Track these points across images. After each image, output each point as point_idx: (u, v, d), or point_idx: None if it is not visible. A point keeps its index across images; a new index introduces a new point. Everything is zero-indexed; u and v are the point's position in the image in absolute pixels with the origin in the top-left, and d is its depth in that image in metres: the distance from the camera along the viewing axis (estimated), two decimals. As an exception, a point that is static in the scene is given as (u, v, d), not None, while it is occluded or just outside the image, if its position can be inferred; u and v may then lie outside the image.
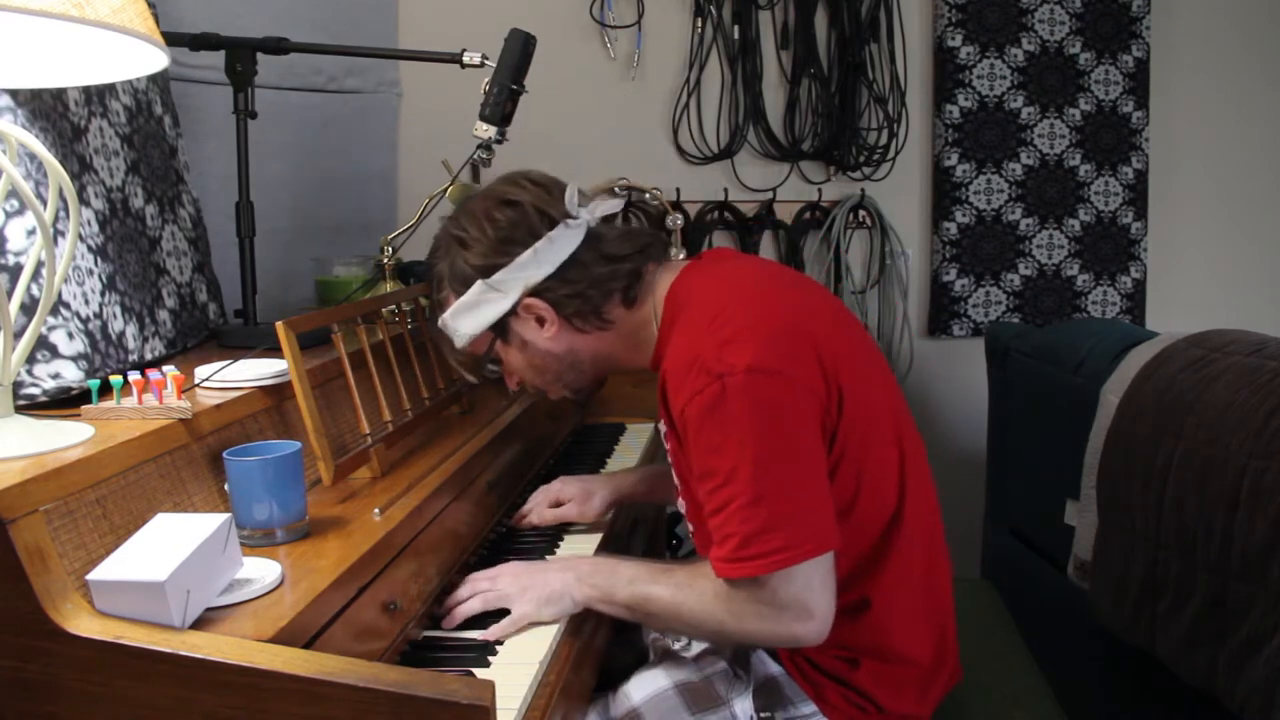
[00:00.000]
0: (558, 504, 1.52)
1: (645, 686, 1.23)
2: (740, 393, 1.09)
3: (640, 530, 1.66)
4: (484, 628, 1.19)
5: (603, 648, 1.31)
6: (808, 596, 1.11)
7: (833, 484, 1.15)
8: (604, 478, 1.58)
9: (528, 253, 1.24)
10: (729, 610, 1.14)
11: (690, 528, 1.31)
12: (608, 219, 1.31)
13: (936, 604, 1.28)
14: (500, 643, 1.17)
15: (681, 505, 1.30)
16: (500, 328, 1.29)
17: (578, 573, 1.24)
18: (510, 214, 1.26)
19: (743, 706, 1.21)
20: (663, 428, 1.27)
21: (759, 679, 1.24)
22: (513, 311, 1.27)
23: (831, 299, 1.32)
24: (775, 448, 1.10)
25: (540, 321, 1.28)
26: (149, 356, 1.40)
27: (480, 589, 1.23)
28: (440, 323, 1.33)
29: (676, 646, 1.32)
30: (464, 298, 1.28)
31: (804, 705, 1.22)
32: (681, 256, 1.38)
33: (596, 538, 1.50)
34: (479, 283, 1.26)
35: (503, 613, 1.22)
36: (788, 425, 1.10)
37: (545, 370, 1.33)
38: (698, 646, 1.30)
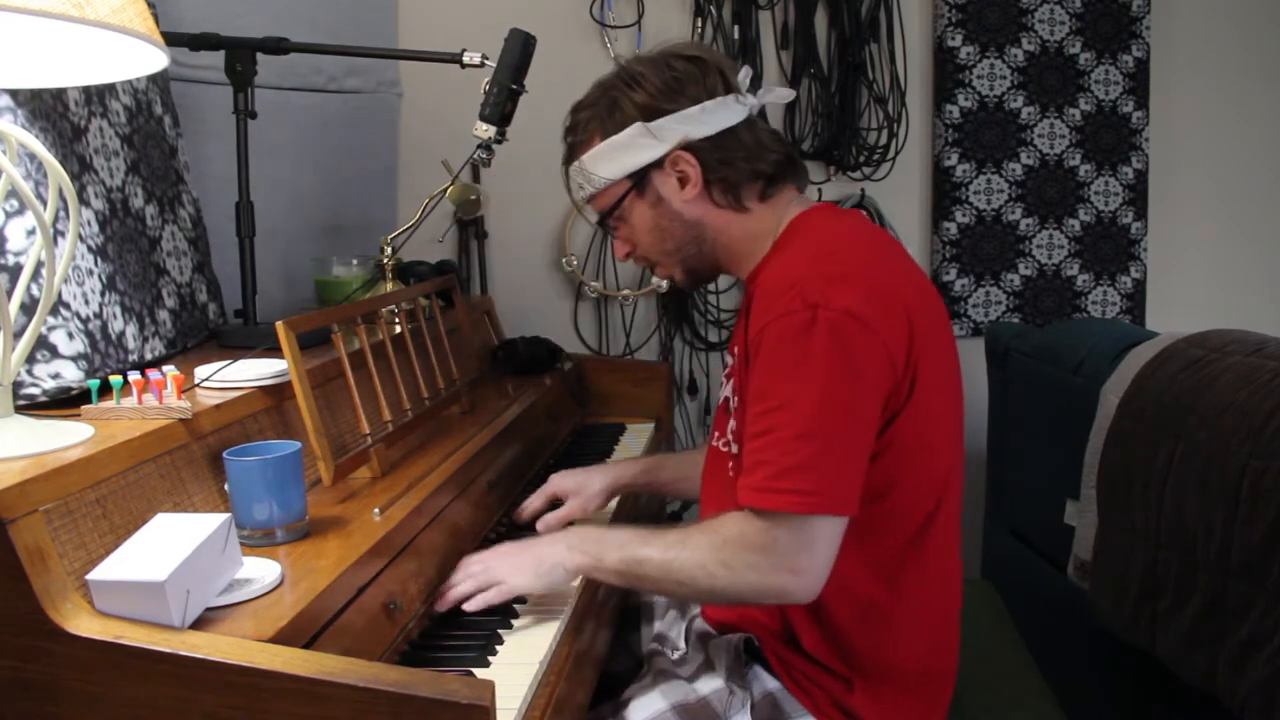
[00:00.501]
0: (556, 500, 1.51)
1: (642, 710, 1.22)
2: (830, 329, 1.08)
3: (644, 520, 1.66)
4: (479, 615, 1.18)
5: (604, 650, 1.31)
6: (811, 549, 1.10)
7: (873, 466, 1.14)
8: (600, 467, 1.57)
9: (695, 108, 1.23)
10: (721, 560, 1.12)
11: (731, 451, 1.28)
12: (765, 123, 1.32)
13: (945, 631, 1.27)
14: (501, 642, 1.17)
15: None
16: (640, 178, 1.27)
17: (567, 542, 1.24)
18: (690, 67, 1.25)
19: None
20: (729, 360, 1.27)
21: (756, 695, 1.23)
22: (659, 163, 1.25)
23: (939, 300, 1.31)
24: (840, 395, 1.09)
25: (682, 181, 1.26)
26: (149, 356, 1.40)
27: (472, 570, 1.23)
28: (575, 166, 1.31)
29: (674, 656, 1.32)
30: (615, 138, 1.25)
31: (803, 719, 1.22)
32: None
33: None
34: (638, 124, 1.24)
35: (506, 608, 1.22)
36: (861, 377, 1.10)
37: (668, 236, 1.30)
38: (694, 663, 1.29)
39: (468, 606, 1.19)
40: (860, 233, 1.26)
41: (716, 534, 1.14)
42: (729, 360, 1.28)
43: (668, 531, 1.20)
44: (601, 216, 1.32)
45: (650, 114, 1.24)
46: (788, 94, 1.34)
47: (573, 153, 1.31)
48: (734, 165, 1.25)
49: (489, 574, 1.22)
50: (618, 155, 1.26)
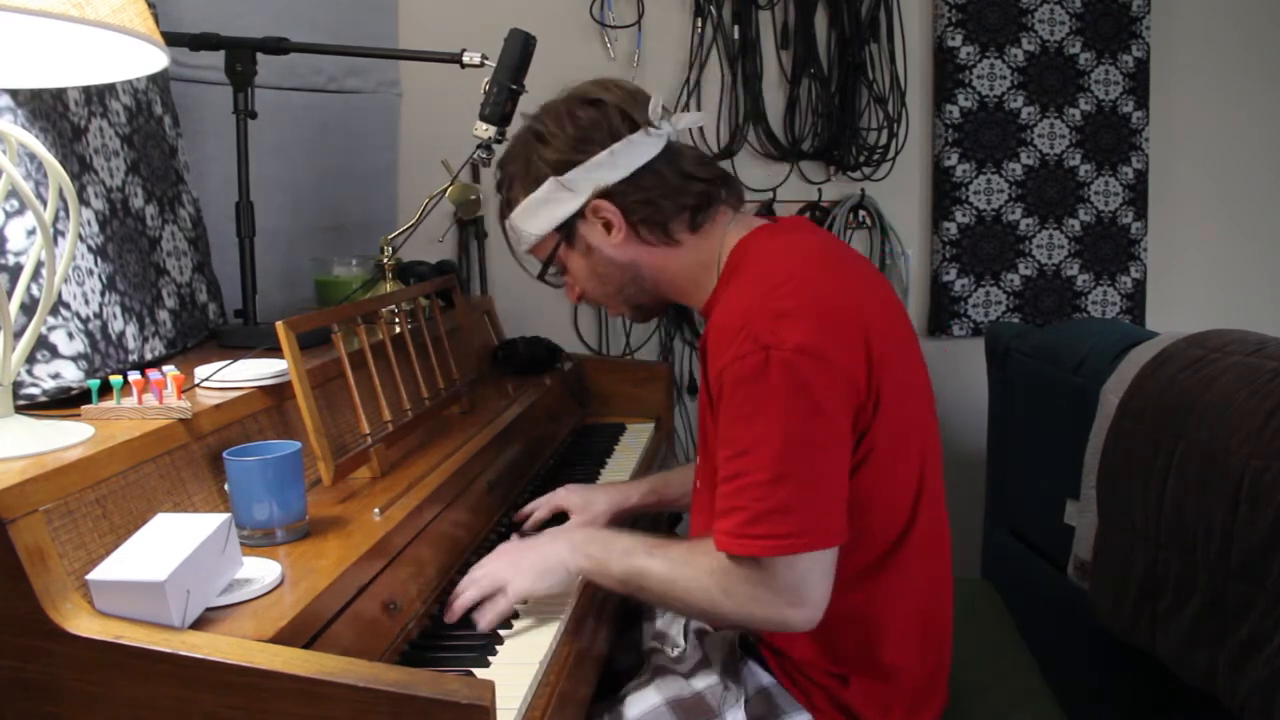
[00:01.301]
0: (560, 513, 1.50)
1: (638, 704, 1.22)
2: (784, 369, 1.07)
3: (640, 528, 1.66)
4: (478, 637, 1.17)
5: (604, 649, 1.31)
6: (806, 584, 1.10)
7: (851, 484, 1.14)
8: (606, 489, 1.56)
9: (604, 153, 1.23)
10: (723, 588, 1.12)
11: (689, 505, 1.29)
12: (688, 145, 1.30)
13: (935, 628, 1.26)
14: (501, 642, 1.17)
15: (692, 483, 1.28)
16: (567, 229, 1.27)
17: (572, 542, 1.24)
18: (592, 113, 1.25)
19: (736, 719, 1.20)
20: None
21: (751, 691, 1.23)
22: (580, 213, 1.26)
23: (893, 298, 1.30)
24: (805, 431, 1.08)
25: (607, 226, 1.26)
26: (149, 356, 1.40)
27: (476, 578, 1.23)
28: (508, 224, 1.32)
29: (673, 654, 1.32)
30: (534, 194, 1.26)
31: (797, 714, 1.21)
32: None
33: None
34: (551, 179, 1.25)
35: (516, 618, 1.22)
36: (823, 411, 1.09)
37: (607, 280, 1.31)
38: (692, 658, 1.29)
39: (479, 624, 1.18)
40: (802, 251, 1.22)
41: (718, 559, 1.13)
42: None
43: (671, 545, 1.20)
44: (541, 269, 1.33)
45: (561, 167, 1.24)
46: (699, 118, 1.33)
47: (505, 209, 1.33)
48: (655, 203, 1.24)
49: (492, 578, 1.22)
50: (540, 211, 1.27)
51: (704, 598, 1.15)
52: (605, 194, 1.24)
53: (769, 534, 1.08)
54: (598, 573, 1.22)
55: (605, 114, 1.24)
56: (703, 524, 1.26)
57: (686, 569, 1.16)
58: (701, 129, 2.55)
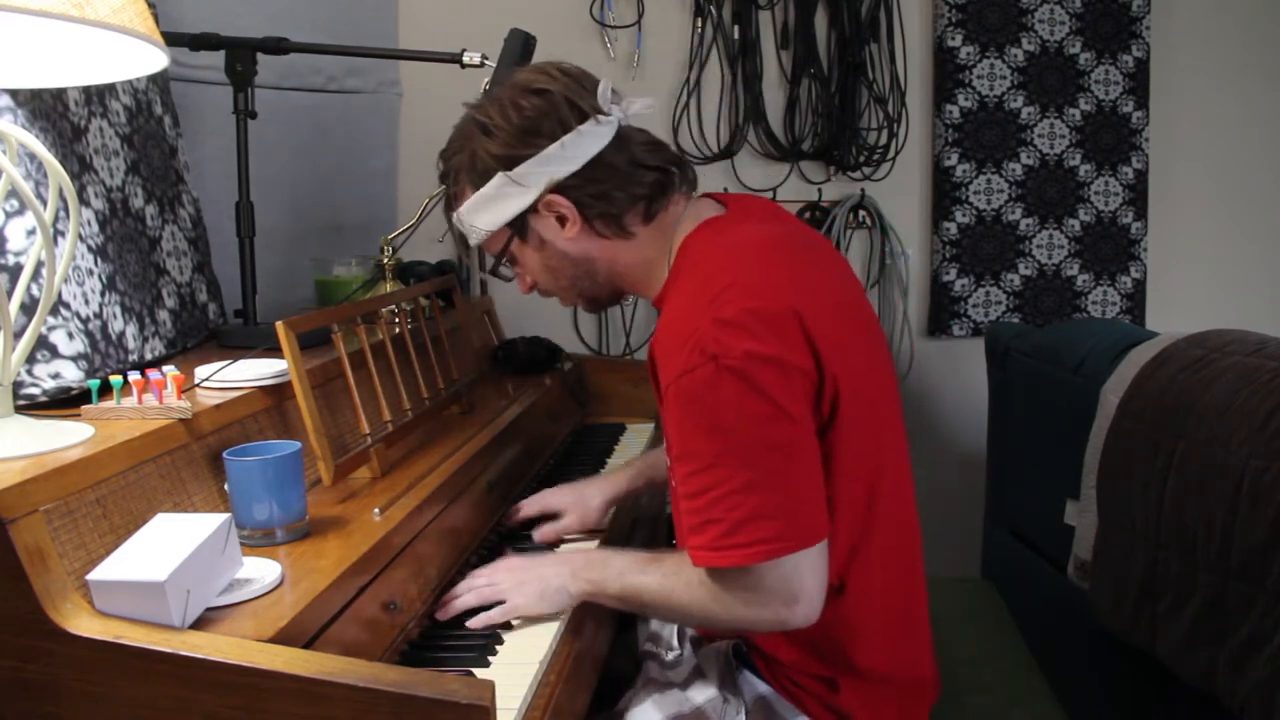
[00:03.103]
0: (552, 515, 1.49)
1: None
2: (735, 376, 1.05)
3: (640, 530, 1.66)
4: (478, 641, 1.17)
5: (604, 650, 1.31)
6: (795, 582, 1.09)
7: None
8: (597, 480, 1.55)
9: (554, 145, 1.18)
10: (714, 597, 1.12)
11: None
12: (638, 129, 1.25)
13: (912, 625, 1.25)
14: (501, 642, 1.17)
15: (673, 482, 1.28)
16: (519, 224, 1.23)
17: (572, 567, 1.24)
18: (538, 102, 1.18)
19: None
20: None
21: (750, 701, 1.22)
22: (533, 208, 1.21)
23: (850, 285, 1.27)
24: (767, 435, 1.06)
25: (561, 221, 1.22)
26: (149, 356, 1.40)
27: (477, 584, 1.23)
28: (455, 218, 1.27)
29: (668, 658, 1.32)
30: (483, 190, 1.21)
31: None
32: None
33: (597, 539, 1.50)
34: (500, 174, 1.19)
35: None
36: (783, 412, 1.07)
37: (560, 274, 1.28)
38: (686, 666, 1.29)
39: (471, 625, 1.18)
40: (747, 247, 1.18)
41: (703, 570, 1.12)
42: None
43: (665, 558, 1.19)
44: (493, 263, 1.29)
45: (510, 162, 1.19)
46: (648, 104, 1.26)
47: (452, 202, 1.28)
48: (610, 196, 1.20)
49: (494, 590, 1.22)
50: (490, 206, 1.22)
51: (698, 608, 1.14)
52: (558, 188, 1.19)
53: (748, 541, 1.06)
54: (598, 595, 1.22)
55: (553, 103, 1.18)
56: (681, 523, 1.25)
57: (678, 580, 1.15)
58: (702, 129, 2.55)
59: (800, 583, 1.09)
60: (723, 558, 1.08)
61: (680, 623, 1.28)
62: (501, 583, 1.22)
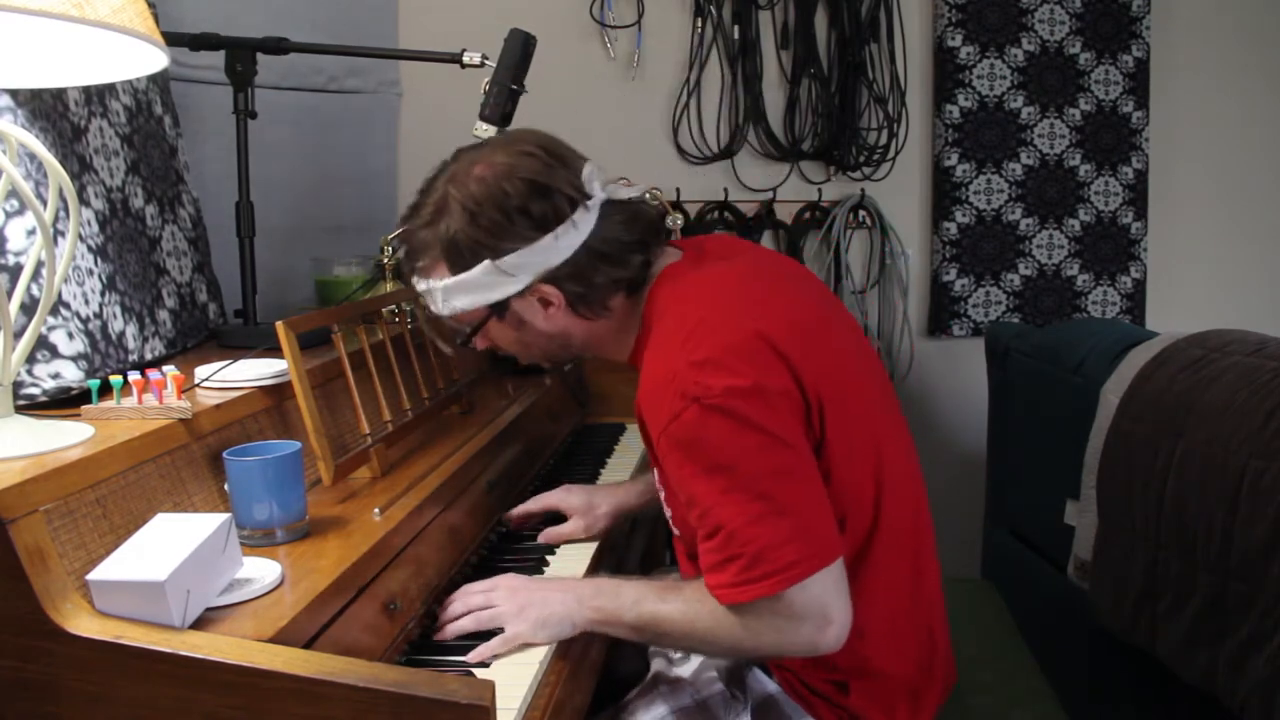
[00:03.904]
0: (559, 514, 1.49)
1: (644, 715, 1.21)
2: (721, 414, 1.05)
3: (640, 532, 1.66)
4: (478, 642, 1.15)
5: (604, 649, 1.31)
6: (825, 603, 1.08)
7: None
8: (607, 489, 1.54)
9: (547, 237, 1.15)
10: (745, 626, 1.10)
11: (676, 531, 1.27)
12: (616, 201, 1.22)
13: (923, 618, 1.25)
14: (499, 652, 1.15)
15: (667, 511, 1.26)
16: (499, 306, 1.21)
17: (578, 595, 1.19)
18: (527, 191, 1.15)
19: None
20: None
21: (756, 699, 1.22)
22: (519, 294, 1.19)
23: (822, 300, 1.27)
24: (764, 464, 1.06)
25: (544, 304, 1.20)
26: (149, 356, 1.40)
27: (474, 605, 1.18)
28: (426, 289, 1.22)
29: (676, 656, 1.32)
30: (466, 275, 1.17)
31: None
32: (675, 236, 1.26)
33: (594, 542, 1.49)
34: (487, 263, 1.16)
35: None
36: (775, 439, 1.07)
37: (532, 346, 1.27)
38: (694, 663, 1.28)
39: (469, 660, 1.13)
40: (709, 286, 1.18)
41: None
42: None
43: (683, 587, 1.16)
44: (464, 337, 1.27)
45: (497, 252, 1.15)
46: (633, 192, 1.23)
47: (415, 273, 1.23)
48: (596, 283, 1.19)
49: (492, 616, 1.17)
50: (471, 291, 1.19)
51: (726, 637, 1.12)
52: (548, 278, 1.18)
53: (771, 571, 1.05)
54: (608, 624, 1.18)
55: (546, 195, 1.15)
56: (687, 552, 1.24)
57: (703, 609, 1.12)
58: (701, 129, 2.55)
59: (828, 603, 1.08)
60: (748, 592, 1.07)
61: (703, 653, 1.24)
62: (500, 605, 1.18)
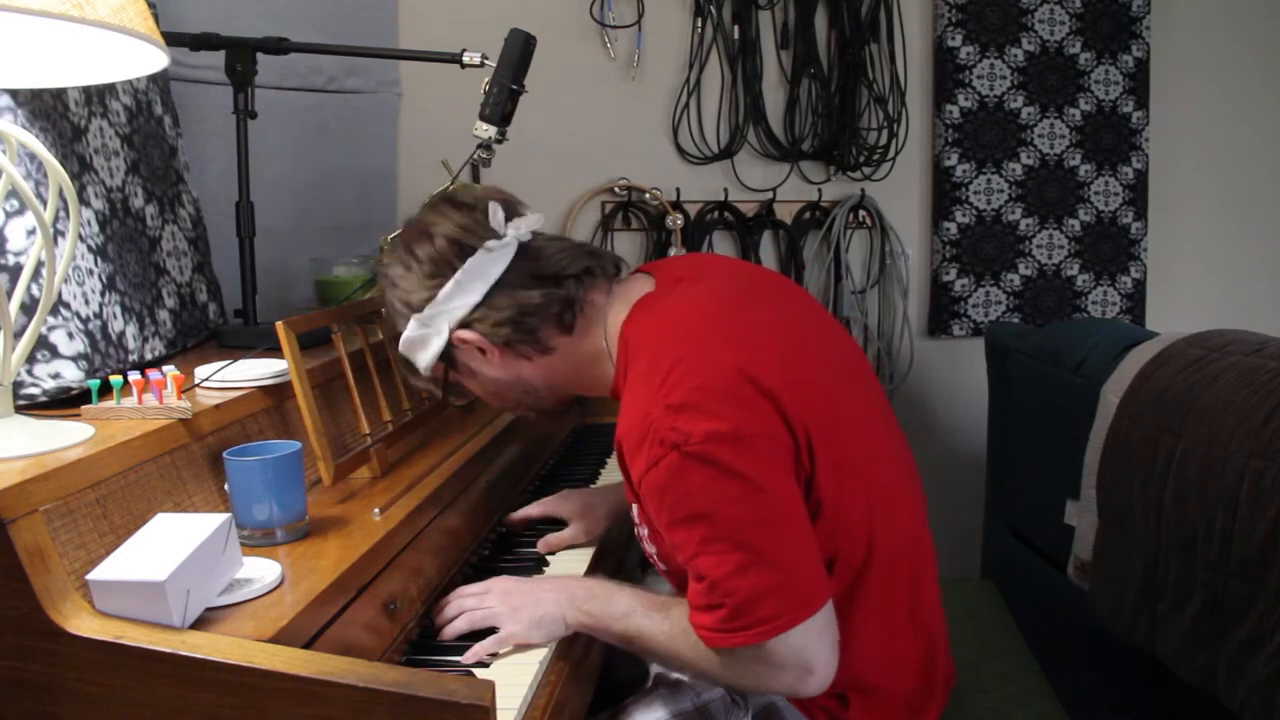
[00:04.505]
0: (557, 518, 1.49)
1: (643, 718, 1.21)
2: (701, 461, 1.03)
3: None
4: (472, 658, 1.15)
5: (604, 650, 1.31)
6: (806, 653, 1.07)
7: (814, 531, 1.10)
8: (605, 491, 1.54)
9: (449, 285, 1.20)
10: (725, 666, 1.10)
11: (662, 567, 1.25)
12: (550, 235, 1.26)
13: (922, 634, 1.24)
14: (494, 651, 1.15)
15: (649, 548, 1.24)
16: (447, 359, 1.26)
17: (571, 596, 1.20)
18: (427, 248, 1.21)
19: None
20: None
21: (758, 705, 1.22)
22: (450, 344, 1.23)
23: (806, 316, 1.25)
24: (747, 513, 1.04)
25: (481, 351, 1.23)
26: (149, 356, 1.40)
27: (468, 607, 1.19)
28: (400, 350, 1.29)
29: None
30: (406, 335, 1.24)
31: None
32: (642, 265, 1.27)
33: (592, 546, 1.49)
34: (414, 318, 1.23)
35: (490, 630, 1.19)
36: (758, 486, 1.04)
37: (503, 396, 1.30)
38: None
39: (465, 660, 1.13)
40: (685, 318, 1.16)
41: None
42: None
43: (672, 607, 1.16)
44: (439, 400, 1.32)
45: (415, 307, 1.22)
46: (537, 220, 1.26)
47: (395, 339, 1.31)
48: (515, 322, 1.20)
49: (486, 615, 1.18)
50: (417, 348, 1.25)
51: (710, 671, 1.13)
52: (464, 324, 1.21)
53: (751, 623, 1.05)
54: (596, 629, 1.20)
55: (438, 246, 1.20)
56: (673, 569, 1.23)
57: (686, 640, 1.12)
58: (701, 129, 2.55)
59: (810, 654, 1.07)
60: (730, 639, 1.07)
61: (685, 675, 1.23)
62: (495, 607, 1.18)
